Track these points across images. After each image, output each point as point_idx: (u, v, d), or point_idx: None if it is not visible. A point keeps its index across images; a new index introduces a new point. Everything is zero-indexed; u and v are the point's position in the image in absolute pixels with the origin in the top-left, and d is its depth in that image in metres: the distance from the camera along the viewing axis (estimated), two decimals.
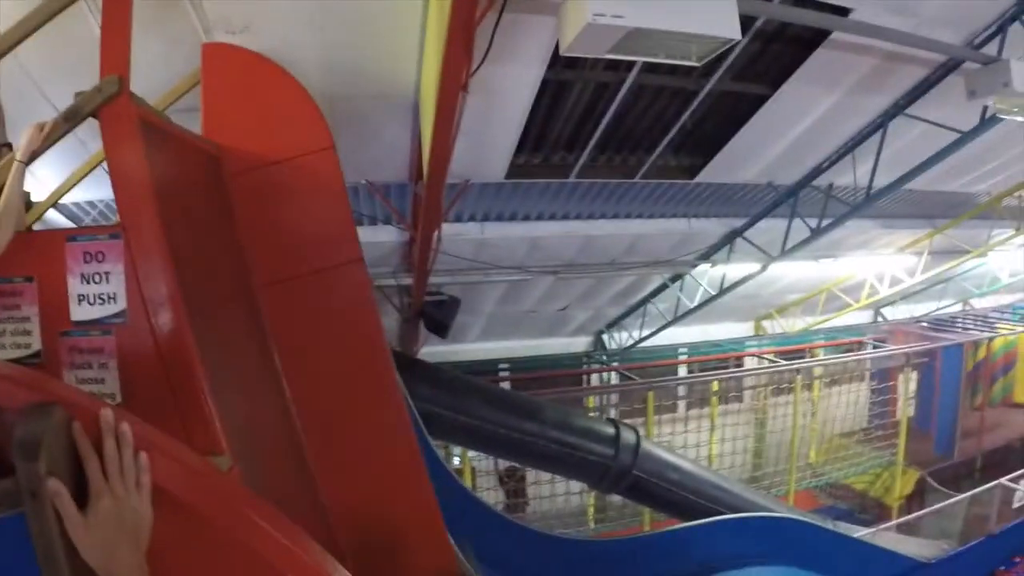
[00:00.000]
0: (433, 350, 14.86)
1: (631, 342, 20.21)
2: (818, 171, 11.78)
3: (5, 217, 4.04)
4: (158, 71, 5.73)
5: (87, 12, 6.32)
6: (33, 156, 4.21)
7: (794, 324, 21.31)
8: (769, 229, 13.87)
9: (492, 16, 5.42)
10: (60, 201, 7.09)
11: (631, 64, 8.27)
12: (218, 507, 2.65)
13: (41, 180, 5.90)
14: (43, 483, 1.59)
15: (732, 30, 5.03)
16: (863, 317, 22.42)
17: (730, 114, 9.87)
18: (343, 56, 7.34)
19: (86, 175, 6.77)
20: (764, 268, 14.86)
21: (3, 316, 4.24)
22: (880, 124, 10.27)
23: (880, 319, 22.90)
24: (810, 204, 12.66)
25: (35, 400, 1.74)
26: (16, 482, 1.66)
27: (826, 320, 21.09)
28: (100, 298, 4.26)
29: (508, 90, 8.14)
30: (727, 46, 5.23)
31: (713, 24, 4.97)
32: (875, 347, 18.25)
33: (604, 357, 20.23)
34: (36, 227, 6.81)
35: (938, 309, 22.14)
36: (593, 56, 5.51)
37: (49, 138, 4.26)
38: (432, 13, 6.38)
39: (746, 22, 5.11)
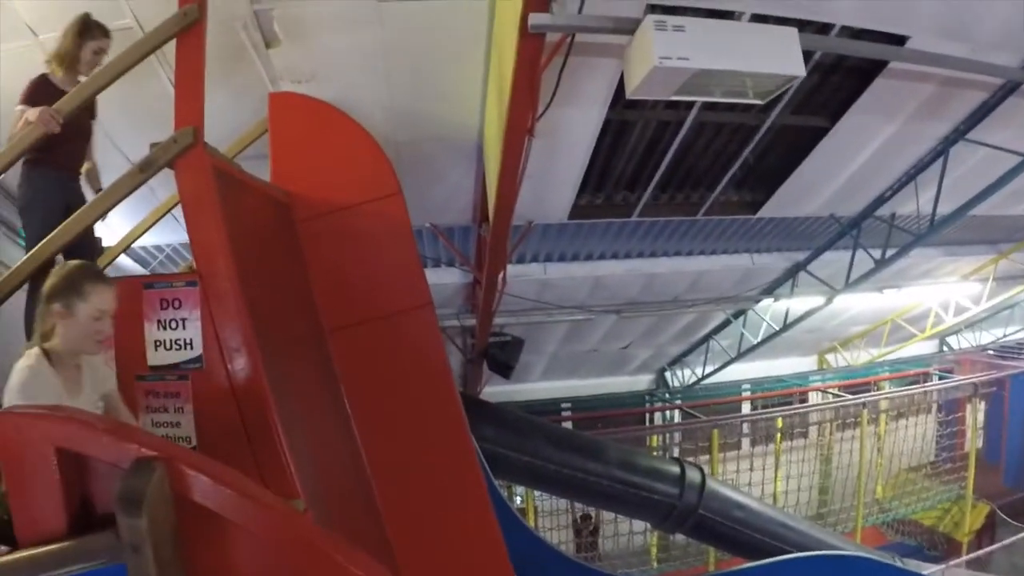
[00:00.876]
0: (495, 390, 14.87)
1: (694, 379, 20.01)
2: (880, 201, 11.57)
3: None
4: (226, 120, 5.85)
5: (157, 66, 6.45)
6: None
7: (858, 357, 20.86)
8: (832, 261, 13.61)
9: (556, 60, 5.44)
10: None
11: (692, 102, 8.25)
12: (300, 548, 2.68)
13: (112, 226, 6.00)
14: (145, 539, 1.62)
15: (796, 67, 5.01)
16: (928, 347, 21.98)
17: (791, 148, 9.79)
18: (407, 102, 7.41)
19: (156, 221, 6.93)
20: (829, 301, 14.55)
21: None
22: (941, 151, 10.06)
23: (946, 349, 22.44)
24: (873, 235, 12.31)
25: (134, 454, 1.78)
26: (116, 535, 1.69)
27: (891, 352, 20.62)
28: (177, 344, 4.35)
29: (571, 132, 8.17)
30: (791, 83, 5.22)
31: (777, 62, 4.96)
32: (941, 378, 17.92)
33: (667, 395, 20.11)
34: (108, 272, 6.95)
35: (1005, 336, 21.54)
36: (659, 98, 5.53)
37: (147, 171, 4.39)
38: (495, 59, 6.44)
39: (804, 56, 5.05)
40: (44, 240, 4.36)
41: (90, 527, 1.81)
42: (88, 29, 5.31)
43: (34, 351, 3.45)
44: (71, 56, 5.33)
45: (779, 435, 15.90)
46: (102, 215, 4.43)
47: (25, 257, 4.37)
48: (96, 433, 1.69)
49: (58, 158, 5.30)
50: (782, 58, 4.99)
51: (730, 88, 5.17)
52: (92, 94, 4.81)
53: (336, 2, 6.37)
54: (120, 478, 1.73)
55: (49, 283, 3.57)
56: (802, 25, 5.61)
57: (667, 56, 4.59)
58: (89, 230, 4.62)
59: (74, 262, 3.76)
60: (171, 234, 8.94)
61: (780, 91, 5.29)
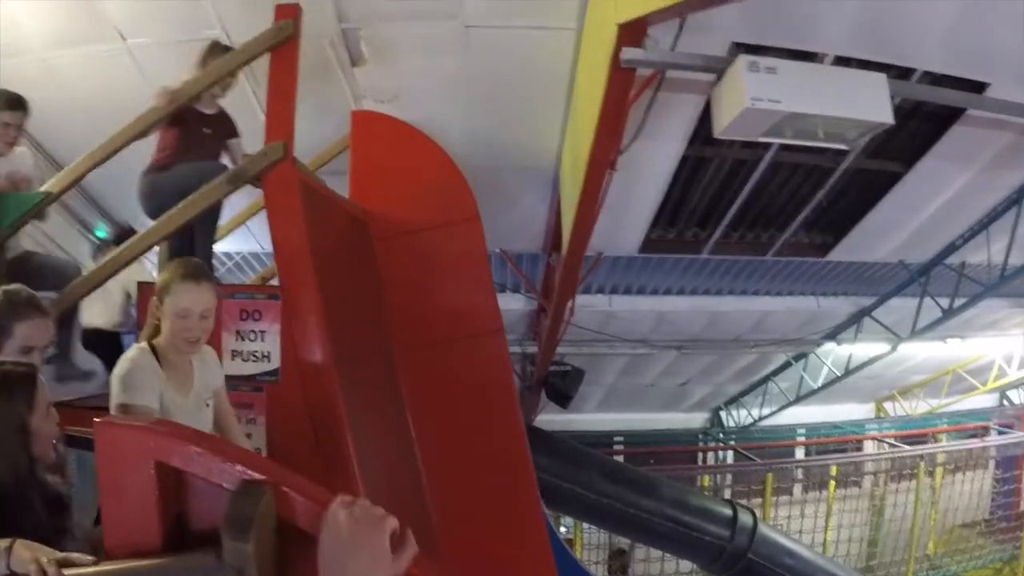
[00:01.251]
0: (549, 418, 14.68)
1: (749, 420, 19.69)
2: (951, 249, 11.27)
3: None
4: (308, 135, 5.87)
5: (244, 81, 6.50)
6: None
7: (917, 406, 20.37)
8: (898, 308, 13.24)
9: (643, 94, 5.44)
10: None
11: (768, 143, 8.16)
12: None
13: None
14: (251, 563, 1.61)
15: (884, 114, 4.94)
16: (989, 400, 21.42)
17: (864, 192, 9.65)
18: (487, 127, 7.47)
19: (232, 230, 6.99)
20: (893, 349, 14.23)
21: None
22: (1015, 200, 9.82)
23: (1006, 403, 21.88)
24: (942, 283, 11.94)
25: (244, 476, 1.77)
26: (217, 556, 1.68)
27: (951, 403, 20.01)
28: (254, 355, 4.40)
29: (649, 166, 8.16)
30: (879, 129, 5.15)
31: (865, 108, 4.89)
32: (1000, 433, 17.49)
33: (721, 435, 19.85)
34: None
35: None
36: (746, 139, 5.49)
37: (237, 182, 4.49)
38: (579, 90, 6.45)
39: None
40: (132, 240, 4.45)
41: (184, 544, 1.80)
42: (212, 52, 5.32)
43: (142, 344, 3.50)
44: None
45: (832, 483, 15.58)
46: (188, 223, 4.47)
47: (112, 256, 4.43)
48: (200, 451, 1.67)
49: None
50: (871, 104, 4.93)
51: (817, 132, 5.11)
52: (181, 101, 4.86)
53: (423, 25, 6.45)
54: (227, 499, 1.71)
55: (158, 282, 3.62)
56: (883, 69, 5.53)
57: (759, 98, 4.55)
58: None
59: (178, 260, 3.79)
60: (241, 243, 9.10)
61: (867, 137, 5.22)
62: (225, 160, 5.44)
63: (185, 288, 3.50)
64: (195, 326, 3.52)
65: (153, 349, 3.51)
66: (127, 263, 4.48)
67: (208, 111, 5.40)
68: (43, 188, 4.89)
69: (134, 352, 3.45)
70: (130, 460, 1.83)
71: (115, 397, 3.31)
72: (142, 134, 4.86)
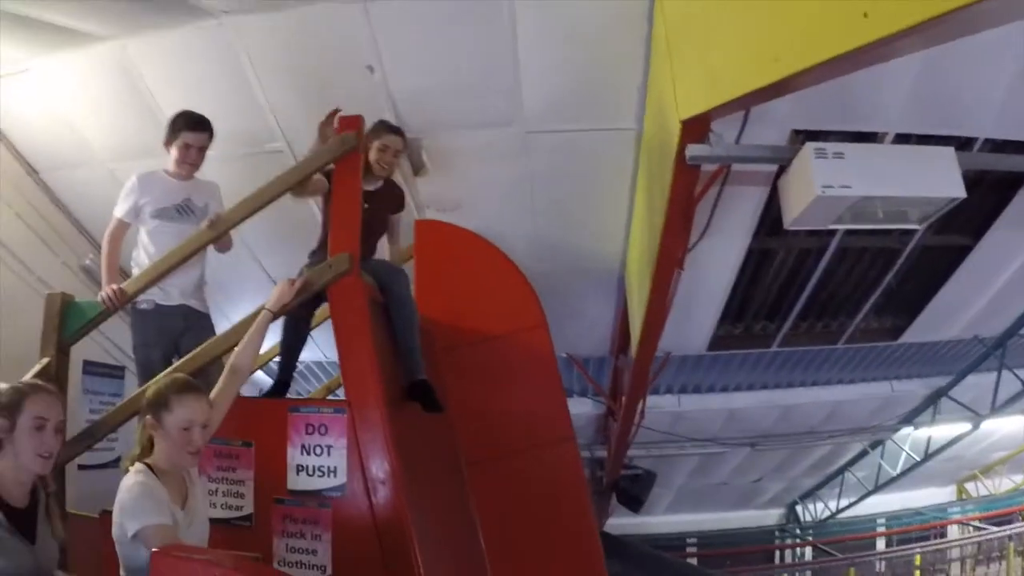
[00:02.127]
0: (618, 522, 14.54)
1: (826, 513, 19.07)
2: None
3: (241, 356, 4.09)
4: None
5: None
6: (284, 308, 4.36)
7: (1000, 484, 19.63)
8: (975, 385, 12.73)
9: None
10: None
11: (834, 230, 8.00)
12: None
13: None
14: None
15: (956, 188, 4.77)
16: None
17: (933, 269, 9.39)
18: (551, 232, 7.47)
19: None
20: (976, 427, 13.68)
21: (217, 476, 4.33)
22: None
23: None
24: (1018, 354, 11.67)
25: None
26: None
27: None
28: (320, 470, 4.28)
29: (714, 262, 8.06)
30: (952, 205, 5.00)
31: (936, 184, 4.74)
32: None
33: (798, 530, 19.31)
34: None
35: None
36: (817, 228, 5.37)
37: (300, 294, 4.41)
38: (642, 190, 6.40)
39: None
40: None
41: None
42: (381, 128, 5.40)
43: (140, 466, 3.36)
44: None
45: (918, 572, 15.01)
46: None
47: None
48: None
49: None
50: (941, 180, 4.77)
51: (888, 214, 4.96)
52: (251, 212, 4.90)
53: (484, 133, 6.49)
54: None
55: (145, 397, 3.55)
56: (944, 142, 5.41)
57: (829, 185, 4.42)
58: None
59: (167, 376, 3.73)
60: (307, 351, 8.99)
61: (940, 213, 5.07)
62: None
63: (185, 401, 3.42)
64: (198, 438, 3.44)
65: (150, 468, 3.39)
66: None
67: (369, 186, 5.33)
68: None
69: (139, 476, 3.31)
70: None
71: (130, 523, 3.15)
72: (192, 253, 4.91)
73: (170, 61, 6.06)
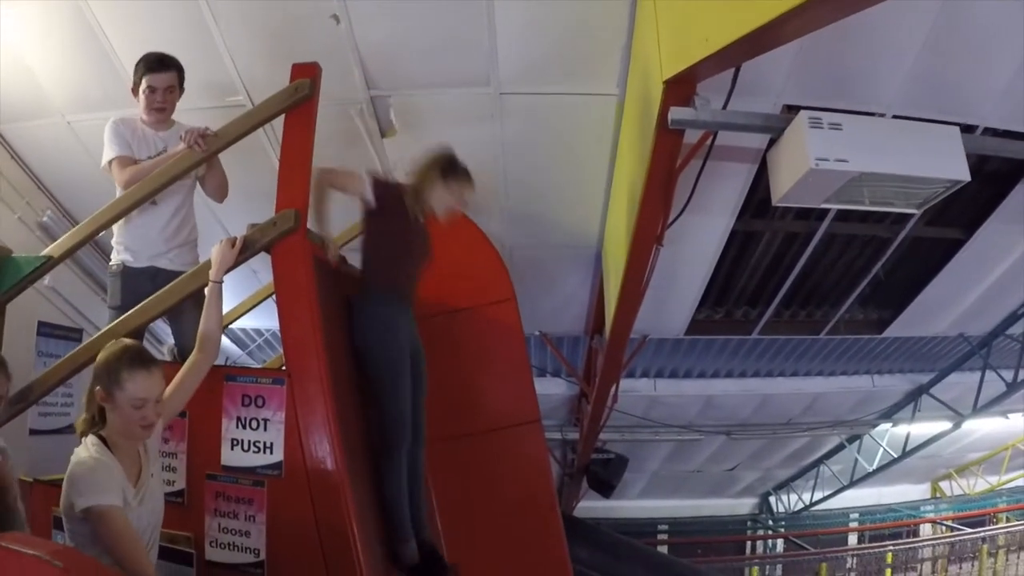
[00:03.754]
0: (589, 505, 14.44)
1: (800, 506, 19.06)
2: (1013, 318, 10.73)
3: (206, 327, 3.85)
4: (334, 208, 5.60)
5: (266, 144, 6.36)
6: (224, 271, 4.02)
7: (975, 484, 19.63)
8: (958, 384, 12.65)
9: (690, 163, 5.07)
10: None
11: (823, 213, 7.81)
12: None
13: None
14: None
15: (960, 171, 4.46)
16: None
17: (923, 262, 9.16)
18: (525, 203, 7.19)
19: (255, 306, 6.71)
20: (957, 426, 13.57)
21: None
22: None
23: None
24: (1003, 355, 11.50)
25: None
26: None
27: (1010, 480, 19.23)
28: (255, 445, 3.97)
29: (696, 242, 7.78)
30: (953, 189, 4.69)
31: (939, 165, 4.45)
32: None
33: (770, 522, 19.25)
34: None
35: None
36: (807, 206, 5.06)
37: (242, 254, 4.07)
38: (623, 159, 6.13)
39: None
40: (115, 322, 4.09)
41: None
42: (452, 170, 5.00)
43: (91, 440, 3.18)
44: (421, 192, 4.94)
45: (889, 571, 14.96)
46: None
47: None
48: None
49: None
50: (945, 161, 4.47)
51: (885, 195, 4.65)
52: (195, 165, 4.58)
53: (455, 93, 6.19)
54: None
55: (95, 364, 3.30)
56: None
57: (824, 157, 4.10)
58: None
59: (119, 343, 3.41)
60: (271, 319, 8.76)
61: (940, 198, 4.76)
62: None
63: (137, 377, 3.19)
64: (151, 412, 3.23)
65: (103, 441, 3.20)
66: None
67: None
68: (45, 252, 4.56)
69: (93, 449, 3.13)
70: None
71: (79, 499, 2.99)
72: (149, 196, 4.56)
73: (130, 10, 5.72)
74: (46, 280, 6.46)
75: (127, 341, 3.45)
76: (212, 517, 3.99)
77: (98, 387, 3.19)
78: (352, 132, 6.27)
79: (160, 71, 4.90)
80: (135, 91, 4.98)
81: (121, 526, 3.03)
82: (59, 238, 4.94)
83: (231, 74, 6.00)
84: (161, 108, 4.96)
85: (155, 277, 4.78)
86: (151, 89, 4.90)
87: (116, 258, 4.86)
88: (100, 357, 3.28)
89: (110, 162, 4.82)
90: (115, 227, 4.83)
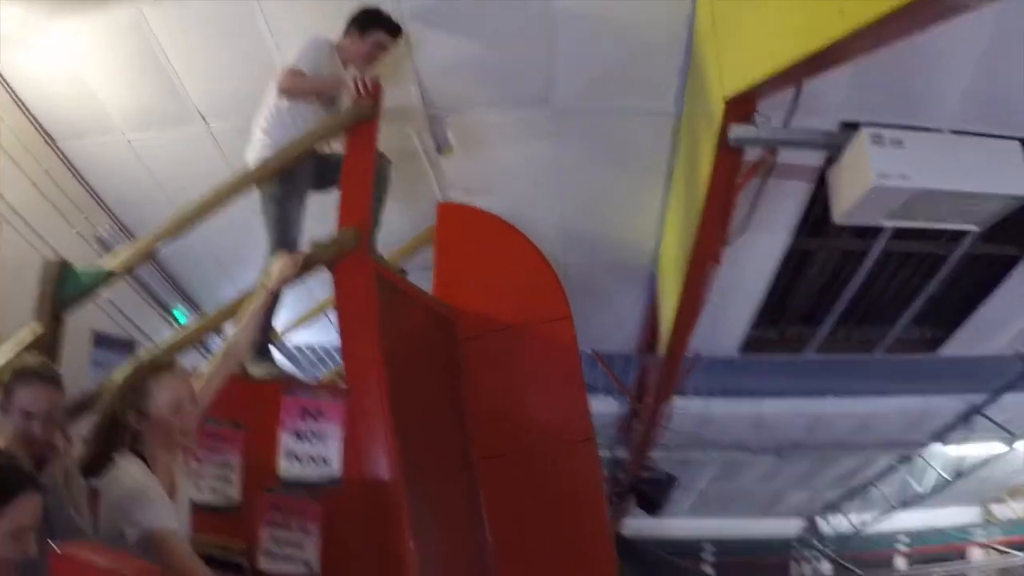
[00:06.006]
0: (635, 523, 14.07)
1: (847, 527, 18.62)
2: None
3: (239, 334, 3.80)
4: (391, 226, 5.63)
5: None
6: (283, 284, 4.03)
7: None
8: (1013, 405, 12.31)
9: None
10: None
11: (878, 231, 7.66)
12: None
13: None
14: None
15: (1022, 186, 4.43)
16: None
17: (979, 279, 8.94)
18: (580, 221, 7.19)
19: (307, 320, 6.77)
20: (1011, 447, 13.38)
21: (204, 457, 4.02)
22: None
23: None
24: None
25: None
26: None
27: None
28: (312, 459, 3.99)
29: (753, 260, 7.70)
30: (1015, 205, 4.62)
31: (1002, 181, 4.38)
32: None
33: (817, 544, 19.02)
34: None
35: None
36: (868, 224, 5.02)
37: (303, 270, 4.08)
38: (678, 180, 6.12)
39: None
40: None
41: None
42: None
43: (131, 459, 3.05)
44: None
45: None
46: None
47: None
48: None
49: None
50: (1006, 176, 4.40)
51: (945, 212, 4.59)
52: (252, 183, 4.62)
53: (514, 112, 6.23)
54: None
55: (108, 398, 3.21)
56: None
57: (886, 174, 4.06)
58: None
59: (133, 366, 3.33)
60: (324, 334, 8.82)
61: (1003, 215, 4.69)
62: None
63: (163, 380, 3.16)
64: (188, 417, 3.19)
65: (143, 459, 3.10)
66: None
67: None
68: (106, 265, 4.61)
69: (136, 467, 3.02)
70: None
71: (134, 528, 2.88)
72: (207, 210, 4.57)
73: (189, 26, 5.83)
74: (119, 305, 6.60)
75: (139, 360, 3.43)
76: (266, 527, 4.00)
77: (130, 413, 3.10)
78: (410, 151, 6.32)
79: (398, 37, 5.23)
80: (355, 33, 5.15)
81: (185, 550, 2.97)
82: (115, 251, 4.99)
83: None
84: (371, 63, 5.19)
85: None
86: (380, 46, 5.16)
87: (259, 156, 4.91)
88: (121, 385, 3.20)
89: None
90: (261, 125, 4.99)
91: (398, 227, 6.18)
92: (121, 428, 3.13)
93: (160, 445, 3.15)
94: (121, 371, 3.28)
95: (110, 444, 3.12)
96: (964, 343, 10.17)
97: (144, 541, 2.86)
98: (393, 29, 5.20)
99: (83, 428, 3.73)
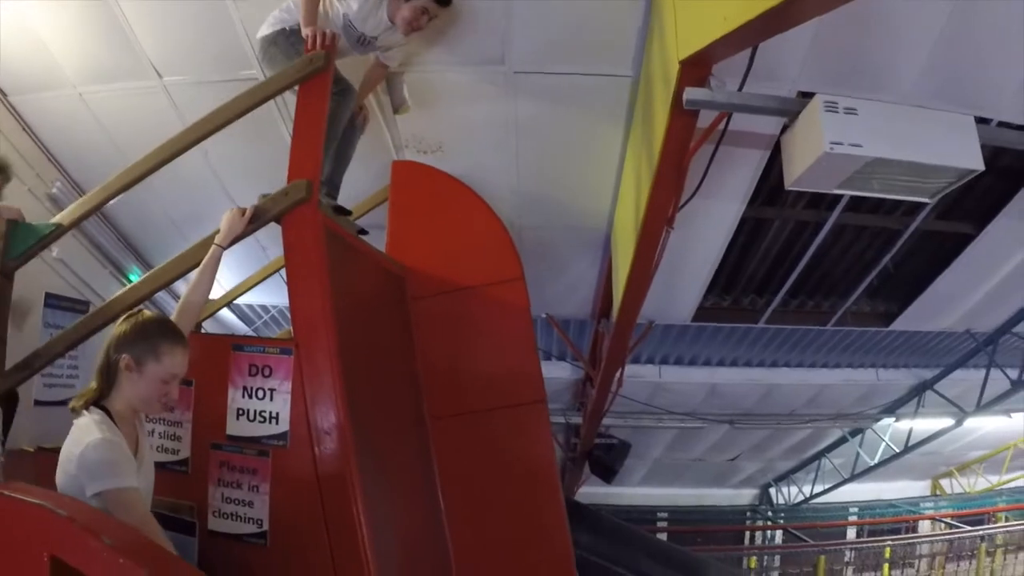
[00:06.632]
0: (590, 491, 14.54)
1: (800, 498, 19.12)
2: (1021, 316, 10.67)
3: (194, 292, 3.82)
4: (344, 185, 5.59)
5: (277, 117, 6.35)
6: (234, 241, 4.00)
7: (976, 483, 19.61)
8: (962, 380, 12.62)
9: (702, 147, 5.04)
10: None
11: (834, 202, 7.82)
12: None
13: (217, 279, 5.84)
14: None
15: (974, 160, 4.43)
16: None
17: (932, 256, 9.11)
18: (536, 183, 7.12)
19: (262, 280, 6.70)
20: (959, 423, 13.53)
21: (154, 416, 4.00)
22: None
23: None
24: (1009, 353, 11.49)
25: None
26: None
27: (1012, 479, 19.10)
28: (261, 415, 3.96)
29: (706, 227, 7.74)
30: (966, 179, 4.66)
31: (954, 154, 4.41)
32: None
33: (770, 513, 19.25)
34: (207, 325, 6.73)
35: None
36: (819, 191, 5.04)
37: (252, 223, 4.04)
38: (634, 144, 6.09)
39: None
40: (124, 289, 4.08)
41: None
42: None
43: (98, 414, 3.11)
44: None
45: (886, 565, 14.94)
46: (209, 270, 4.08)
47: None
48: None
49: None
50: (959, 150, 4.44)
51: (898, 183, 4.62)
52: (204, 135, 4.47)
53: (470, 71, 6.13)
54: None
55: (119, 330, 3.27)
56: None
57: (838, 141, 4.07)
58: None
59: (151, 314, 3.43)
60: (279, 295, 8.79)
61: (952, 188, 4.73)
62: None
63: (176, 351, 3.25)
64: (175, 390, 3.27)
65: (108, 415, 3.15)
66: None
67: None
68: (55, 219, 4.49)
69: (103, 427, 3.05)
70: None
71: (94, 482, 2.92)
72: (159, 165, 4.45)
73: None
74: (54, 251, 6.51)
75: (158, 313, 3.47)
76: (216, 487, 3.99)
77: (125, 354, 3.16)
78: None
79: (444, 6, 5.25)
80: None
81: (143, 509, 3.03)
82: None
83: (245, 47, 5.95)
84: (414, 29, 5.24)
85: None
86: (424, 11, 5.17)
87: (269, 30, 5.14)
88: (130, 325, 3.27)
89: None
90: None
91: (352, 186, 6.14)
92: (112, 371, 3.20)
93: (131, 403, 3.22)
94: (135, 317, 3.34)
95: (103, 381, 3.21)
96: (916, 319, 10.37)
97: (104, 496, 2.90)
98: None
99: None
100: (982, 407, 12.56)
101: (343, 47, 5.17)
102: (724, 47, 3.91)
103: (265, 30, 5.13)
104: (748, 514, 19.90)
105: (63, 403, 5.94)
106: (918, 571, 15.73)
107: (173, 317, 3.66)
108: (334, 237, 4.41)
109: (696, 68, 4.17)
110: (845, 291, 9.79)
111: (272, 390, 3.95)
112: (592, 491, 14.59)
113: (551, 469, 6.01)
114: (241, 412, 4.00)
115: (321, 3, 4.97)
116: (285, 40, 4.98)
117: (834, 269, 9.31)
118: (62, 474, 3.00)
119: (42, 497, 2.57)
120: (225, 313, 9.21)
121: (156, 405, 3.27)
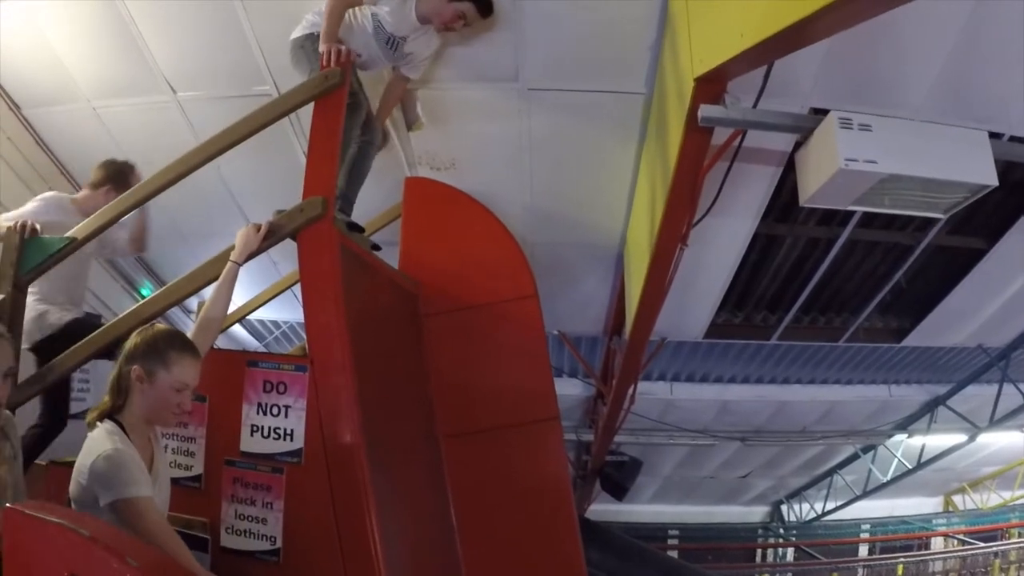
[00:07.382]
0: (600, 508, 14.43)
1: (812, 515, 18.92)
2: None
3: (212, 309, 3.86)
4: (357, 201, 5.60)
5: (291, 135, 6.38)
6: (249, 257, 4.03)
7: (988, 499, 19.42)
8: (975, 396, 12.54)
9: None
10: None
11: (846, 218, 7.77)
12: None
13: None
14: None
15: (988, 176, 4.44)
16: None
17: (944, 271, 9.05)
18: (549, 200, 7.13)
19: (275, 296, 6.71)
20: (972, 439, 13.37)
21: (168, 432, 4.02)
22: None
23: None
24: (1022, 367, 11.46)
25: None
26: None
27: None
28: (276, 432, 3.96)
29: (719, 244, 7.73)
30: (980, 194, 4.65)
31: (968, 169, 4.42)
32: None
33: (782, 530, 19.15)
34: (218, 340, 6.75)
35: None
36: (834, 207, 5.03)
37: (267, 239, 4.07)
38: (648, 161, 6.10)
39: None
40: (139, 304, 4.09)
41: None
42: None
43: (111, 425, 3.14)
44: None
45: None
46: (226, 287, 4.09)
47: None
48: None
49: None
50: (973, 165, 4.45)
51: (911, 199, 4.62)
52: (221, 151, 4.49)
53: (484, 88, 6.15)
54: None
55: (131, 343, 3.29)
56: None
57: (853, 158, 4.08)
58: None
59: (161, 326, 3.45)
60: (290, 311, 8.87)
61: (966, 203, 4.72)
62: None
63: (186, 361, 3.26)
64: (187, 400, 3.28)
65: (119, 425, 3.17)
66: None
67: None
68: (69, 233, 4.52)
69: (115, 438, 3.08)
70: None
71: (107, 492, 2.95)
72: (172, 181, 4.48)
73: None
74: None
75: (168, 326, 3.49)
76: (229, 503, 3.99)
77: (136, 366, 3.18)
78: None
79: (484, 16, 5.28)
80: None
81: (158, 516, 3.04)
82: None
83: (259, 63, 6.00)
84: (448, 30, 5.33)
85: None
86: (462, 16, 5.21)
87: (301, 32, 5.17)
88: (141, 337, 3.29)
89: None
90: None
91: (365, 203, 6.15)
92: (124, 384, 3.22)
93: (144, 416, 3.24)
94: (145, 331, 3.36)
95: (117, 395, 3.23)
96: (928, 334, 10.28)
97: (114, 507, 2.92)
98: (484, 6, 5.24)
99: None
100: (995, 422, 12.43)
101: (373, 55, 5.24)
102: (740, 64, 3.90)
103: (297, 32, 5.17)
104: (760, 531, 19.76)
105: (75, 417, 6.00)
106: None
107: (191, 334, 3.67)
108: (348, 253, 4.41)
109: (711, 85, 4.17)
110: (857, 307, 9.73)
111: (287, 407, 3.95)
112: (603, 508, 14.50)
113: (565, 487, 5.99)
114: (255, 428, 4.00)
115: (347, 14, 5.04)
116: (312, 45, 4.99)
117: (846, 285, 9.26)
118: (75, 486, 3.02)
119: (62, 516, 2.57)
120: (236, 328, 9.22)
121: (168, 416, 3.28)
